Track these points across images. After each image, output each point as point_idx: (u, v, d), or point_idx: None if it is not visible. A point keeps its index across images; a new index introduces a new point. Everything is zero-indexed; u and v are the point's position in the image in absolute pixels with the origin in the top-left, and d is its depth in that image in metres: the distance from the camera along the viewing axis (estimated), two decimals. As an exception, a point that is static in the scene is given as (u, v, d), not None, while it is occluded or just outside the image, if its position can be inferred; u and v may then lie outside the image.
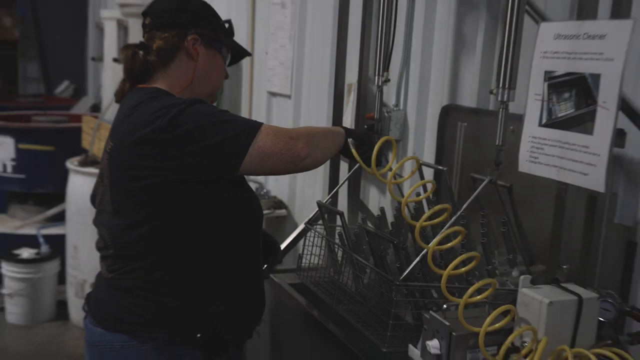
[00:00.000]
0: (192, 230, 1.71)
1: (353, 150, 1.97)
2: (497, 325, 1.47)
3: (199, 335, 1.71)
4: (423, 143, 2.74)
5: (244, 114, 4.26)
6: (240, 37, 4.30)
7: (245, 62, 4.26)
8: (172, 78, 1.81)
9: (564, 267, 1.58)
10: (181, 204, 1.68)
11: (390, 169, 2.03)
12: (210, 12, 1.88)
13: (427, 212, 1.87)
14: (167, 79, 1.81)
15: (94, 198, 1.88)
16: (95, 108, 6.38)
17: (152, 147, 1.61)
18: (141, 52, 1.82)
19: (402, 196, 2.21)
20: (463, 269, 1.67)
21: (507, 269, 1.97)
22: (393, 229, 2.24)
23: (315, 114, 3.45)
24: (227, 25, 1.93)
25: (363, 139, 2.02)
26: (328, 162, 2.72)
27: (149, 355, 1.70)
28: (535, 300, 1.46)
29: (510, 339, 1.46)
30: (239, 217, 1.80)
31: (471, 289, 1.51)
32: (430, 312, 1.63)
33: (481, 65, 2.40)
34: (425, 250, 1.80)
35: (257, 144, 1.60)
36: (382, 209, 2.33)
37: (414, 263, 1.79)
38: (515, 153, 1.76)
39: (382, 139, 1.98)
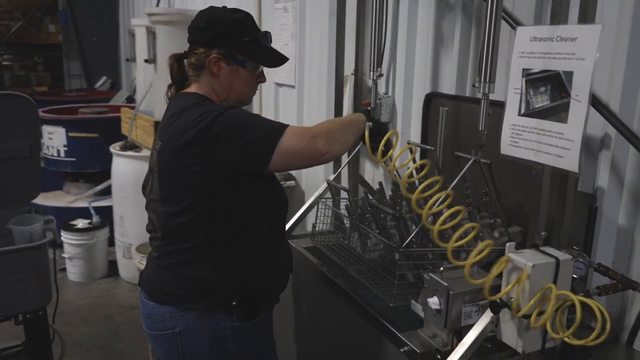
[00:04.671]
0: (229, 216, 1.63)
1: (367, 138, 1.79)
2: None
3: (234, 302, 1.66)
4: (410, 124, 2.67)
5: (255, 102, 4.16)
6: (249, 37, 4.18)
7: (255, 58, 4.15)
8: (206, 86, 1.71)
9: (542, 233, 1.53)
10: (220, 194, 1.60)
11: (391, 158, 1.83)
12: (238, 30, 1.70)
13: (421, 186, 1.71)
14: (201, 87, 1.72)
15: (144, 188, 1.80)
16: (130, 99, 6.25)
17: (195, 147, 1.54)
18: (185, 61, 1.76)
19: (399, 176, 2.12)
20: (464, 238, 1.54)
21: (489, 231, 1.93)
22: (391, 200, 2.19)
23: (316, 100, 3.37)
24: (262, 37, 1.75)
25: (380, 129, 1.85)
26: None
27: (192, 323, 1.65)
28: (520, 263, 1.41)
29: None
30: (268, 203, 1.72)
31: (474, 252, 1.43)
32: (430, 274, 1.58)
33: (458, 58, 2.32)
34: (423, 220, 1.75)
35: (283, 144, 1.52)
36: (380, 184, 2.26)
37: (414, 232, 1.74)
38: (493, 134, 1.70)
39: (389, 133, 1.78)
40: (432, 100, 2.42)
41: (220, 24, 1.69)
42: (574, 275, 1.47)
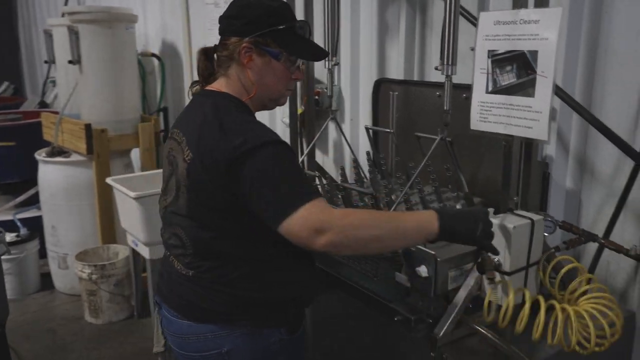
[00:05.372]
0: (263, 236, 1.47)
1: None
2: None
3: (289, 318, 1.58)
4: (358, 110, 2.78)
5: (188, 101, 4.10)
6: (177, 34, 4.13)
7: (184, 55, 4.10)
8: (235, 82, 1.55)
9: (515, 198, 1.68)
10: (250, 217, 1.44)
11: None
12: (271, 17, 1.53)
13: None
14: (230, 83, 1.56)
15: (162, 198, 1.65)
16: (43, 104, 5.93)
17: (224, 176, 1.41)
18: (214, 54, 1.60)
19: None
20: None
21: (452, 204, 2.07)
22: (357, 182, 2.27)
23: (255, 94, 3.39)
24: (299, 26, 1.57)
25: (482, 241, 1.43)
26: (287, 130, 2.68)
27: (241, 341, 1.52)
28: (502, 226, 1.55)
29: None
30: None
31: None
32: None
33: (405, 46, 2.45)
34: (400, 197, 1.86)
35: (288, 223, 1.33)
36: (342, 168, 2.34)
37: (394, 206, 1.84)
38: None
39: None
40: (381, 86, 2.54)
41: (252, 10, 1.52)
42: (545, 234, 1.63)
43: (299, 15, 2.50)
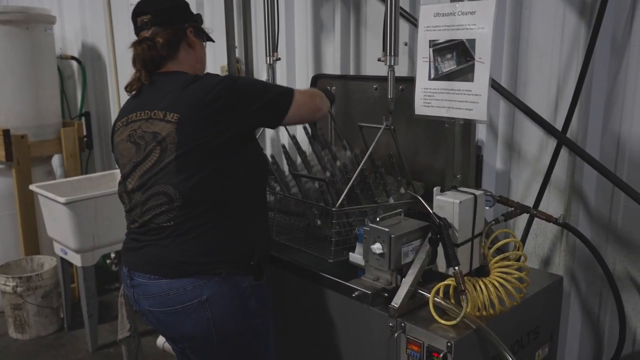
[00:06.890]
0: (240, 180, 1.73)
1: None
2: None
3: (252, 263, 1.74)
4: (295, 107, 2.86)
5: (113, 104, 4.03)
6: (99, 36, 4.03)
7: (108, 57, 4.01)
8: (183, 64, 1.82)
9: (458, 176, 1.82)
10: (234, 159, 1.70)
11: None
12: (190, 8, 1.90)
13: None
14: (179, 64, 1.81)
15: (131, 173, 1.76)
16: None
17: (222, 101, 1.64)
18: (149, 45, 1.77)
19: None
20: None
21: (395, 188, 2.20)
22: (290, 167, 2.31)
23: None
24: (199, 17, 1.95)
25: None
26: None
27: (217, 288, 1.69)
28: (449, 202, 1.68)
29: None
30: (263, 168, 1.87)
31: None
32: (370, 224, 1.78)
33: (341, 42, 2.57)
34: (349, 184, 1.95)
35: (296, 99, 1.75)
36: (283, 146, 2.39)
37: (345, 192, 1.93)
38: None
39: None
40: (318, 81, 2.63)
41: (182, 1, 1.87)
42: (486, 207, 1.79)
43: (238, 12, 2.58)
